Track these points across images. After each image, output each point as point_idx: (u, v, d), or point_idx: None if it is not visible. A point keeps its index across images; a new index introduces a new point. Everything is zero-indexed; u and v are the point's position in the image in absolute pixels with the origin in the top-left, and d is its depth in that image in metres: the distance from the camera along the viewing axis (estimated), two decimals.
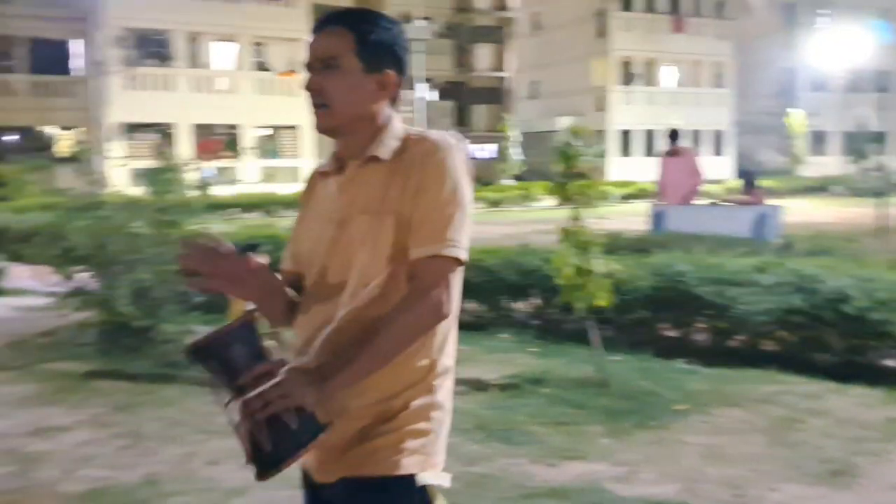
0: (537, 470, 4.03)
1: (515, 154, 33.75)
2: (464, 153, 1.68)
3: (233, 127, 30.69)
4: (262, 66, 31.69)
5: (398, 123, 1.74)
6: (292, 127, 30.54)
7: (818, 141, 40.65)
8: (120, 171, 11.32)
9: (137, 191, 7.38)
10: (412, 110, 29.61)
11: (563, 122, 30.54)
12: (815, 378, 5.43)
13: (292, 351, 1.70)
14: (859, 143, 21.14)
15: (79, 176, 7.35)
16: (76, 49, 29.45)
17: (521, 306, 7.23)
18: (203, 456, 4.25)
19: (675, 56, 39.15)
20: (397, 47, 1.73)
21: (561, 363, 5.91)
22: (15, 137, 28.02)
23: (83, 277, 6.77)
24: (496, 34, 41.73)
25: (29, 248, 8.72)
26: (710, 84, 40.03)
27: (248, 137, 30.65)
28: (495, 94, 41.09)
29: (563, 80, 39.22)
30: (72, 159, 22.05)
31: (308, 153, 30.32)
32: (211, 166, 22.73)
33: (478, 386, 5.43)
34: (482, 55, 41.41)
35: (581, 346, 5.84)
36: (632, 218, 12.12)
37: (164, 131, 28.76)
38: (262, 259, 1.70)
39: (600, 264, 5.37)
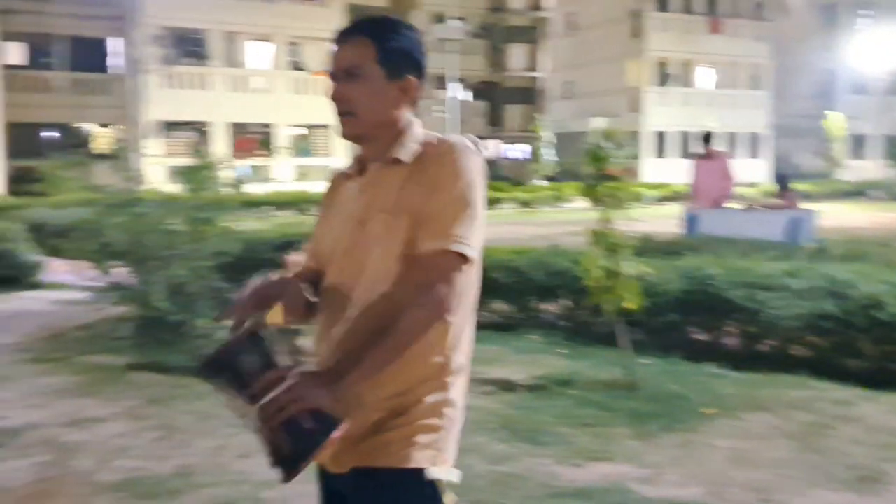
0: (563, 470, 4.05)
1: (548, 154, 33.64)
2: (480, 157, 1.73)
3: (267, 126, 30.97)
4: (296, 66, 31.93)
5: (418, 128, 1.80)
6: (325, 126, 30.72)
7: (857, 144, 40.00)
8: (156, 169, 11.49)
9: (173, 188, 7.50)
10: (444, 110, 29.64)
11: (597, 123, 30.40)
12: (846, 384, 5.38)
13: (309, 349, 1.76)
14: None
15: (116, 173, 7.48)
16: (114, 47, 29.87)
17: (550, 307, 7.23)
18: (234, 449, 4.33)
19: (711, 57, 38.77)
20: (416, 53, 1.79)
21: (589, 365, 5.92)
22: (54, 134, 28.49)
23: (120, 272, 6.91)
24: (530, 34, 41.61)
25: (67, 244, 8.90)
26: (746, 86, 39.59)
27: (282, 136, 30.92)
28: (529, 95, 40.99)
29: (597, 81, 39.00)
30: (109, 156, 22.44)
31: (340, 152, 30.48)
32: (245, 164, 23.02)
33: (505, 386, 5.46)
34: (516, 55, 41.31)
35: (610, 349, 5.83)
36: (665, 220, 12.05)
37: (199, 129, 29.13)
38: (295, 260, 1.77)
39: (629, 266, 5.37)
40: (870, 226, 16.40)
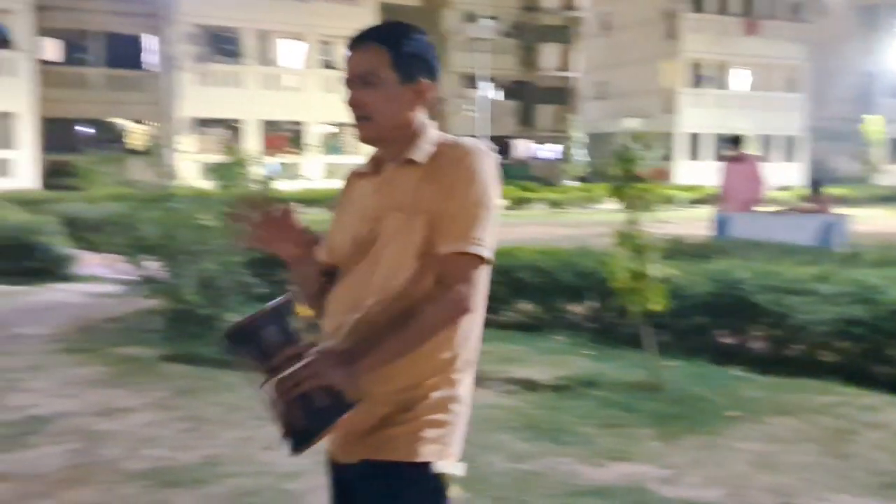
0: (584, 469, 4.07)
1: (580, 155, 33.50)
2: (494, 160, 1.80)
3: (298, 123, 31.17)
4: (328, 65, 32.09)
5: (432, 130, 1.86)
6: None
7: None
8: (189, 165, 11.65)
9: (205, 184, 7.61)
10: (474, 109, 29.63)
11: (630, 124, 30.18)
12: (874, 390, 5.33)
13: (323, 335, 1.82)
14: None
15: (149, 168, 7.61)
16: (149, 44, 30.23)
17: (576, 308, 7.22)
18: (260, 440, 4.40)
19: (746, 59, 38.33)
20: (429, 56, 1.85)
21: (614, 366, 5.91)
22: (89, 129, 28.92)
23: (152, 266, 7.02)
24: (563, 34, 41.41)
25: (100, 237, 9.06)
26: (782, 88, 39.09)
27: (313, 134, 31.11)
28: (561, 95, 40.81)
29: (630, 82, 38.77)
30: (143, 152, 22.74)
31: (369, 151, 30.58)
32: (275, 161, 23.17)
33: (529, 386, 5.48)
34: (549, 55, 41.11)
35: (636, 351, 5.81)
36: (697, 223, 11.96)
37: (231, 126, 29.41)
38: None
39: (656, 269, 5.36)
40: None
